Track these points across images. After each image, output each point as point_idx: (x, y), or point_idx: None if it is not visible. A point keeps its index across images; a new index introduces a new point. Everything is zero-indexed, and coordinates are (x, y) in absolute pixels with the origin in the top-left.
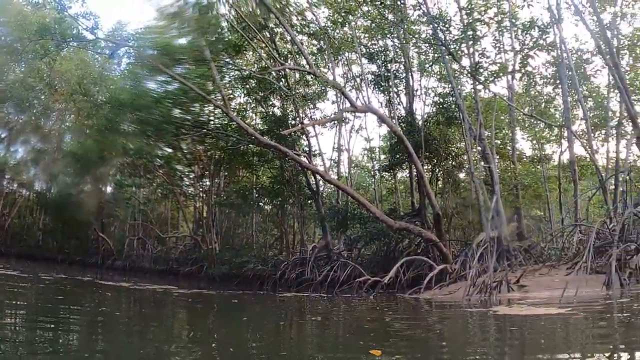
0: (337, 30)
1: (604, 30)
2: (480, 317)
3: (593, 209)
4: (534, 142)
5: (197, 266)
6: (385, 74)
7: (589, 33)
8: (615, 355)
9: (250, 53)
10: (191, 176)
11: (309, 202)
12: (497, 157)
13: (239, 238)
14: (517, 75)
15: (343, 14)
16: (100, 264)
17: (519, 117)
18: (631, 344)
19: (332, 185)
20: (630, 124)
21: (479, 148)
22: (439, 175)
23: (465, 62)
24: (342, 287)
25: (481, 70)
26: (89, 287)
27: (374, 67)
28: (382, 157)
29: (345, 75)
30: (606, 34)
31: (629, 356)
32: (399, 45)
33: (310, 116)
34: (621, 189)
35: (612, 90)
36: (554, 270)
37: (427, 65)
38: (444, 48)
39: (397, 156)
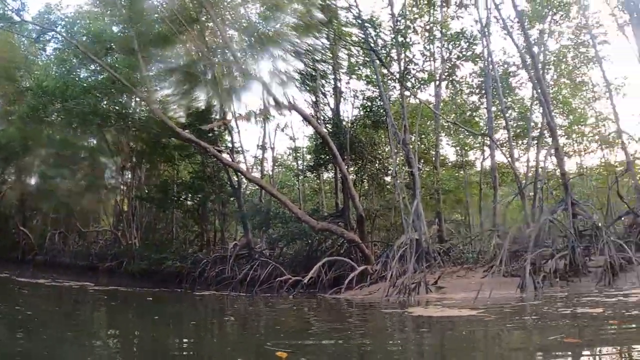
0: (267, 26)
1: (530, 45)
2: (395, 317)
3: (511, 214)
4: (458, 148)
5: (116, 262)
6: (313, 73)
7: (515, 47)
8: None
9: (179, 46)
10: (113, 168)
11: (231, 199)
12: (422, 161)
13: (159, 234)
14: (444, 83)
15: (272, 10)
16: (21, 259)
17: (444, 124)
18: (531, 344)
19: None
20: (550, 135)
21: (403, 152)
22: (364, 177)
23: (395, 67)
24: (263, 286)
25: (409, 77)
26: (6, 284)
27: (301, 66)
28: (308, 157)
29: (273, 73)
30: (532, 49)
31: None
32: (328, 46)
33: (235, 112)
34: (539, 197)
35: (535, 102)
36: (472, 273)
37: (356, 69)
38: (373, 52)
39: (322, 157)
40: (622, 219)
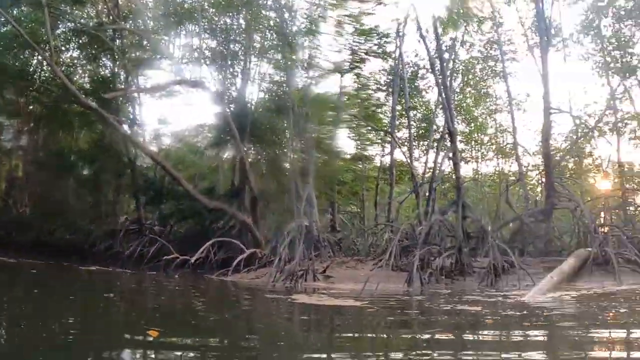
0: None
1: (441, 51)
2: (277, 303)
3: (405, 211)
4: (359, 142)
5: (5, 231)
6: (224, 52)
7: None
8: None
9: (90, 7)
10: (10, 131)
11: (128, 171)
12: (320, 151)
13: (52, 203)
14: (351, 77)
15: None
16: None
17: (347, 117)
18: (405, 338)
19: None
20: (450, 140)
21: (302, 139)
22: (262, 160)
23: (304, 55)
24: (151, 263)
25: (314, 65)
26: None
27: (214, 44)
28: (210, 135)
29: (184, 47)
30: (442, 55)
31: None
32: (243, 27)
33: (140, 83)
34: (433, 197)
35: (439, 107)
36: (362, 265)
37: (267, 53)
38: (283, 37)
39: (223, 136)
40: (510, 224)
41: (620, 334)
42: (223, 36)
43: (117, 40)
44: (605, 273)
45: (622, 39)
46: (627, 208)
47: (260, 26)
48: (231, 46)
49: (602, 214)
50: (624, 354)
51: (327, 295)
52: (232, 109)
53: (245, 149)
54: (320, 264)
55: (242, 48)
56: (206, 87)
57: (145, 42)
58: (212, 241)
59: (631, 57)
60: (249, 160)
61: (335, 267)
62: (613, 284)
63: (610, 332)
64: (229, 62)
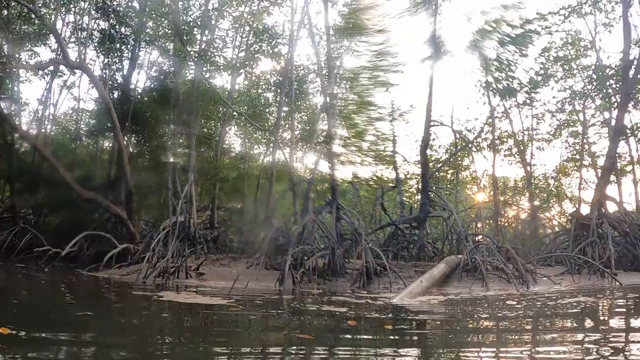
0: None
1: (330, 58)
2: (142, 300)
3: (283, 210)
4: (245, 139)
5: None
6: (114, 35)
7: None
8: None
9: None
10: None
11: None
12: (204, 146)
13: None
14: (242, 74)
15: None
16: None
17: (234, 113)
18: (262, 337)
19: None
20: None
21: (185, 133)
22: (143, 152)
23: (196, 47)
24: (21, 255)
25: (206, 59)
26: None
27: (104, 25)
28: (92, 121)
29: (72, 26)
30: (332, 62)
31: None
32: (137, 11)
33: (22, 59)
34: (310, 197)
35: (323, 110)
36: (236, 262)
37: (158, 40)
38: (176, 26)
39: (103, 124)
40: (388, 229)
41: (475, 338)
42: (114, 18)
43: (4, 11)
44: (474, 279)
45: (504, 63)
46: (499, 219)
47: (154, 13)
48: (122, 29)
49: (477, 224)
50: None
51: (196, 293)
52: (115, 95)
53: (125, 139)
54: (195, 261)
55: (133, 32)
56: (89, 69)
57: (33, 16)
58: (84, 234)
59: (512, 81)
60: (129, 151)
61: (209, 264)
62: (481, 289)
63: (467, 336)
64: (118, 46)
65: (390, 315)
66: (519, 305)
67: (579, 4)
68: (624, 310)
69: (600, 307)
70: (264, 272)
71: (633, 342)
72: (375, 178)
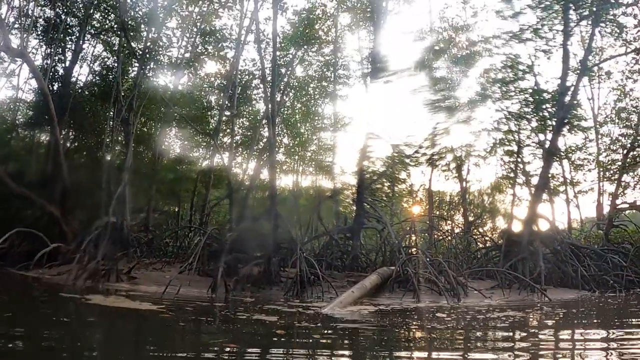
0: None
1: (275, 65)
2: (68, 303)
3: (220, 216)
4: (185, 142)
5: None
6: (58, 25)
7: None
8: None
9: None
10: None
11: None
12: (143, 147)
13: None
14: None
15: None
16: None
17: (176, 115)
18: (185, 346)
19: None
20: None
21: (123, 132)
22: (80, 147)
23: (141, 44)
24: None
25: (151, 57)
26: None
27: (50, 13)
28: (29, 112)
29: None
30: (276, 69)
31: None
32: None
33: None
34: (248, 204)
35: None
36: (170, 267)
37: (103, 33)
38: (123, 21)
39: (40, 116)
40: (323, 238)
41: (403, 347)
42: (61, 6)
43: None
44: (406, 291)
45: (449, 82)
46: (433, 233)
47: (102, 4)
48: (68, 19)
49: (411, 236)
50: None
51: (125, 297)
52: (55, 87)
53: (62, 133)
54: (128, 264)
55: (79, 23)
56: (30, 59)
57: None
58: (14, 231)
59: (454, 99)
60: (66, 146)
61: (142, 268)
62: (412, 301)
63: (395, 346)
64: (62, 36)
65: (319, 324)
66: (449, 318)
67: (520, 30)
68: (552, 322)
69: (528, 321)
70: (197, 279)
71: (559, 351)
72: (315, 187)
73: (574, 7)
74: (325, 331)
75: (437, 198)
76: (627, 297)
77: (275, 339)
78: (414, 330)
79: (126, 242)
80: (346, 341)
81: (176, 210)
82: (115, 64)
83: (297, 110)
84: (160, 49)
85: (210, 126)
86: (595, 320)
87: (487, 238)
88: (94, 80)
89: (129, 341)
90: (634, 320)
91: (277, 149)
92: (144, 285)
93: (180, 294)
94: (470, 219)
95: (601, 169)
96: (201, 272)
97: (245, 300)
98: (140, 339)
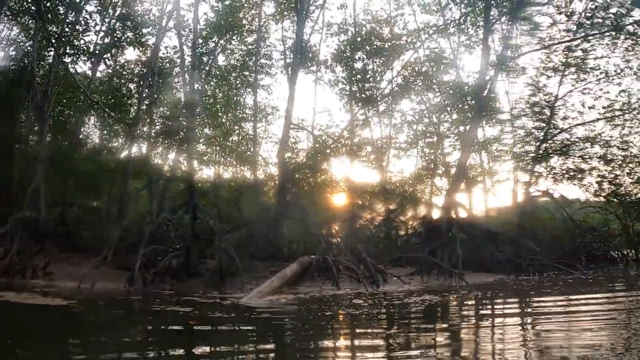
0: None
1: (195, 53)
2: None
3: (141, 208)
4: (105, 132)
5: None
6: None
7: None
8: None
9: None
10: None
11: None
12: (60, 136)
13: None
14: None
15: None
16: None
17: (94, 103)
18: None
19: None
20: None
21: (38, 120)
22: None
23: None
24: None
25: (67, 41)
26: None
27: None
28: None
29: None
30: (195, 56)
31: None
32: None
33: None
34: (167, 195)
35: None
36: (87, 261)
37: (19, 16)
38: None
39: None
40: (243, 229)
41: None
42: None
43: None
44: (326, 279)
45: (369, 73)
46: (355, 222)
47: None
48: None
49: (332, 226)
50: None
51: (39, 293)
52: None
53: None
54: (44, 259)
55: None
56: None
57: None
58: None
59: (375, 91)
60: None
61: (59, 263)
62: (332, 289)
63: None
64: None
65: (233, 314)
66: (365, 303)
67: (444, 25)
68: (469, 303)
69: (443, 303)
70: (116, 273)
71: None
72: (236, 178)
73: (494, 4)
74: (239, 321)
75: (358, 188)
76: (540, 280)
77: (184, 330)
78: (329, 316)
79: (42, 237)
80: (259, 329)
81: (94, 203)
82: (31, 49)
83: (218, 100)
84: (77, 32)
85: (130, 115)
86: (508, 299)
87: (408, 226)
88: (8, 64)
89: (27, 336)
90: (544, 299)
91: (197, 139)
92: (61, 281)
93: (97, 289)
94: (392, 207)
95: (516, 160)
96: (119, 265)
97: (162, 293)
98: (45, 335)
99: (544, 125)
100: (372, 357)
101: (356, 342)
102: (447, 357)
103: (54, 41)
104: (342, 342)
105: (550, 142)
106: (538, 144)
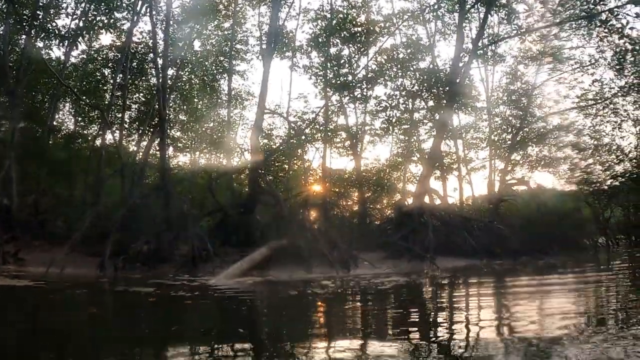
0: None
1: (167, 37)
2: None
3: (113, 194)
4: (79, 118)
5: None
6: None
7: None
8: None
9: None
10: None
11: None
12: (32, 123)
13: None
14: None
15: None
16: None
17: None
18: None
19: None
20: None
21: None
22: None
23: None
24: None
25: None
26: None
27: None
28: None
29: None
30: (168, 42)
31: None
32: None
33: None
34: (139, 181)
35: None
36: (60, 248)
37: None
38: None
39: None
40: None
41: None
42: None
43: None
44: (297, 263)
45: (344, 59)
46: (329, 208)
47: None
48: None
49: (306, 211)
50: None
51: (9, 277)
52: None
53: None
54: (15, 246)
55: None
56: None
57: None
58: None
59: (351, 77)
60: None
61: (31, 250)
62: (304, 273)
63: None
64: None
65: (197, 293)
66: (333, 285)
67: (419, 11)
68: (434, 285)
69: (410, 284)
70: (88, 259)
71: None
72: (210, 164)
73: None
74: (200, 298)
75: (333, 175)
76: (513, 264)
77: (142, 307)
78: (293, 295)
79: (14, 226)
80: (216, 305)
81: (68, 191)
82: (2, 33)
83: (193, 86)
84: (50, 16)
85: (105, 102)
86: (474, 281)
87: (382, 213)
88: None
89: None
90: (515, 282)
91: (172, 125)
92: (32, 267)
93: (67, 274)
94: (367, 195)
95: (492, 148)
96: (92, 253)
97: (132, 277)
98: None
99: (521, 113)
100: (319, 328)
101: (309, 316)
102: (401, 329)
103: (25, 25)
104: (296, 314)
105: (527, 129)
106: (515, 131)
